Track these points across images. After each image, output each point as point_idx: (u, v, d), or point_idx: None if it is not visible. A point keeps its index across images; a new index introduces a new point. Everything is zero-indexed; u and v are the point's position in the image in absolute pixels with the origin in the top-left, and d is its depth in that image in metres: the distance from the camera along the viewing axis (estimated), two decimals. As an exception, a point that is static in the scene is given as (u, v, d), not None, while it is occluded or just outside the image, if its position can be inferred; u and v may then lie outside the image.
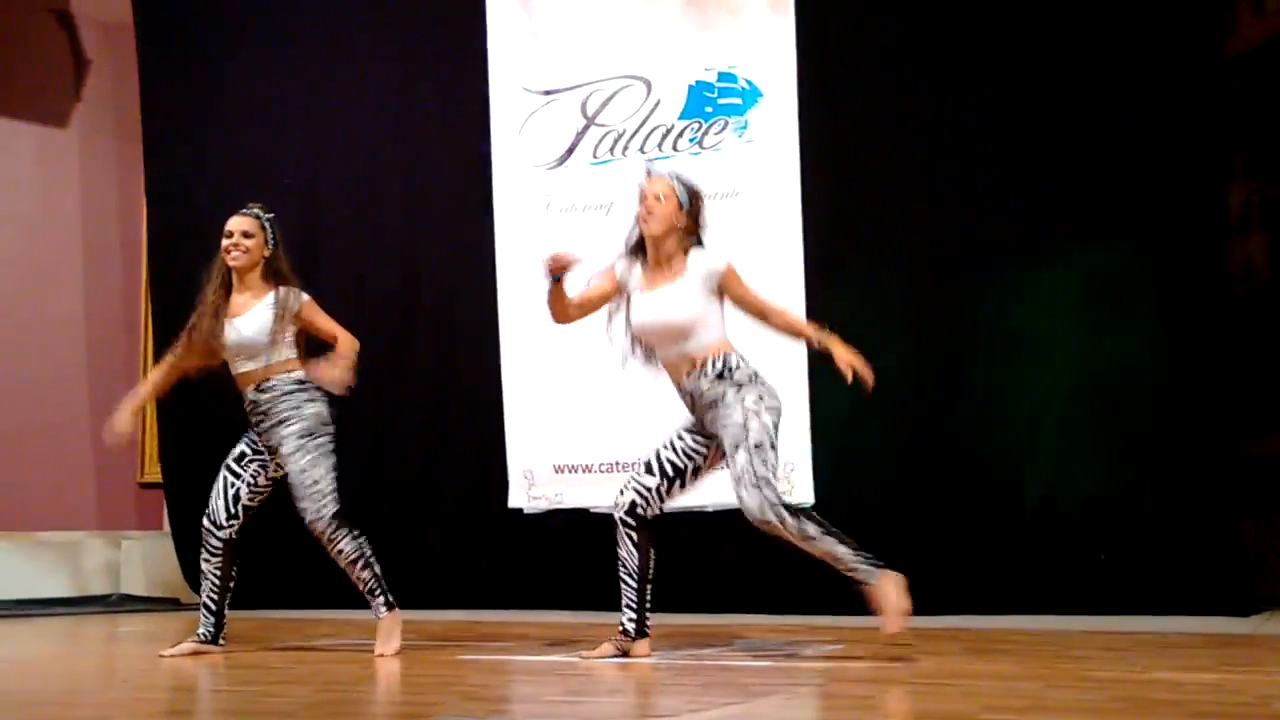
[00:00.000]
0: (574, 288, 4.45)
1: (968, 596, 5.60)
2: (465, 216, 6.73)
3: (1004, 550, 5.64)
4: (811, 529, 4.12)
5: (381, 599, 4.68)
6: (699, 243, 4.32)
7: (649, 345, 4.37)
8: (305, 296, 4.75)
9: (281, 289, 4.71)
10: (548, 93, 6.57)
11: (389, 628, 4.65)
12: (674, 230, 4.29)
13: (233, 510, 4.71)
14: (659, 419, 6.18)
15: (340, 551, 4.63)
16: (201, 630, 4.76)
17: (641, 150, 6.37)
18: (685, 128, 6.29)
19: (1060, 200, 5.67)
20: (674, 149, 6.29)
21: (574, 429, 6.43)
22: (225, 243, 4.73)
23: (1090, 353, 5.61)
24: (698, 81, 6.28)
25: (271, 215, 4.81)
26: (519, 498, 6.55)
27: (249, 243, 4.71)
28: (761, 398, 4.19)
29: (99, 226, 7.84)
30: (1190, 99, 5.49)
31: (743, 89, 6.19)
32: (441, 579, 6.66)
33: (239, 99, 7.32)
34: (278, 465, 4.72)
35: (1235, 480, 5.45)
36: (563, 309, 4.45)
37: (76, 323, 7.72)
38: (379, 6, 7.04)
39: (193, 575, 7.27)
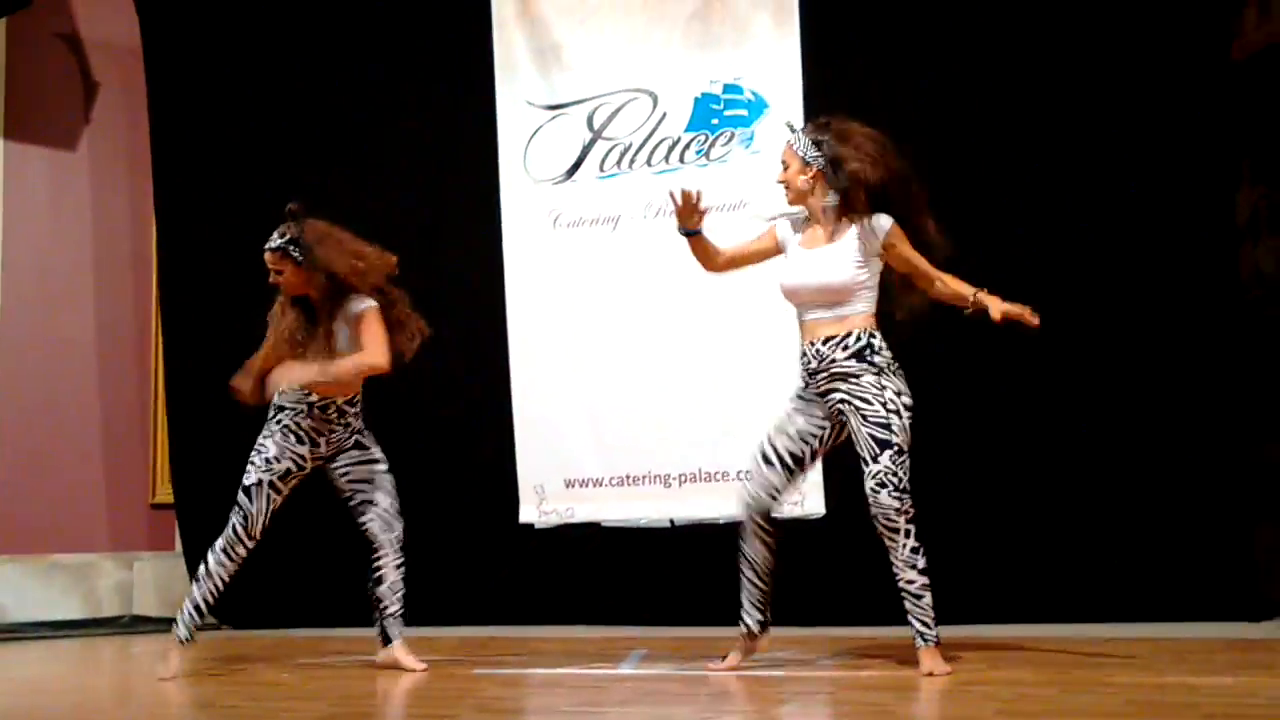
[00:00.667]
0: (719, 239, 4.40)
1: (981, 606, 5.58)
2: (473, 232, 6.74)
3: (1017, 559, 5.63)
4: (922, 560, 4.05)
5: (402, 625, 4.72)
6: (861, 199, 4.09)
7: (797, 304, 4.21)
8: (365, 305, 4.64)
9: (351, 304, 4.63)
10: (553, 107, 6.60)
11: (407, 652, 4.67)
12: (808, 193, 4.19)
13: (268, 525, 4.70)
14: (670, 432, 6.25)
15: (400, 564, 4.71)
16: (184, 633, 4.73)
17: (648, 163, 6.38)
18: (692, 140, 6.30)
19: (1068, 208, 5.68)
20: (680, 161, 6.31)
21: (584, 443, 6.43)
22: None
23: (1100, 358, 5.60)
24: (704, 94, 6.29)
25: (286, 239, 4.67)
26: (530, 513, 6.55)
27: (283, 279, 4.68)
28: (900, 393, 4.08)
29: (110, 247, 7.86)
30: (1197, 103, 5.50)
31: (749, 100, 6.20)
32: (453, 595, 6.65)
33: (246, 119, 7.34)
34: (308, 476, 4.73)
35: (1248, 485, 5.44)
36: (710, 260, 4.38)
37: (88, 343, 7.73)
38: (385, 26, 7.06)
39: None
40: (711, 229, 4.45)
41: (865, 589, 5.81)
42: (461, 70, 6.83)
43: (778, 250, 4.34)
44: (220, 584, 4.75)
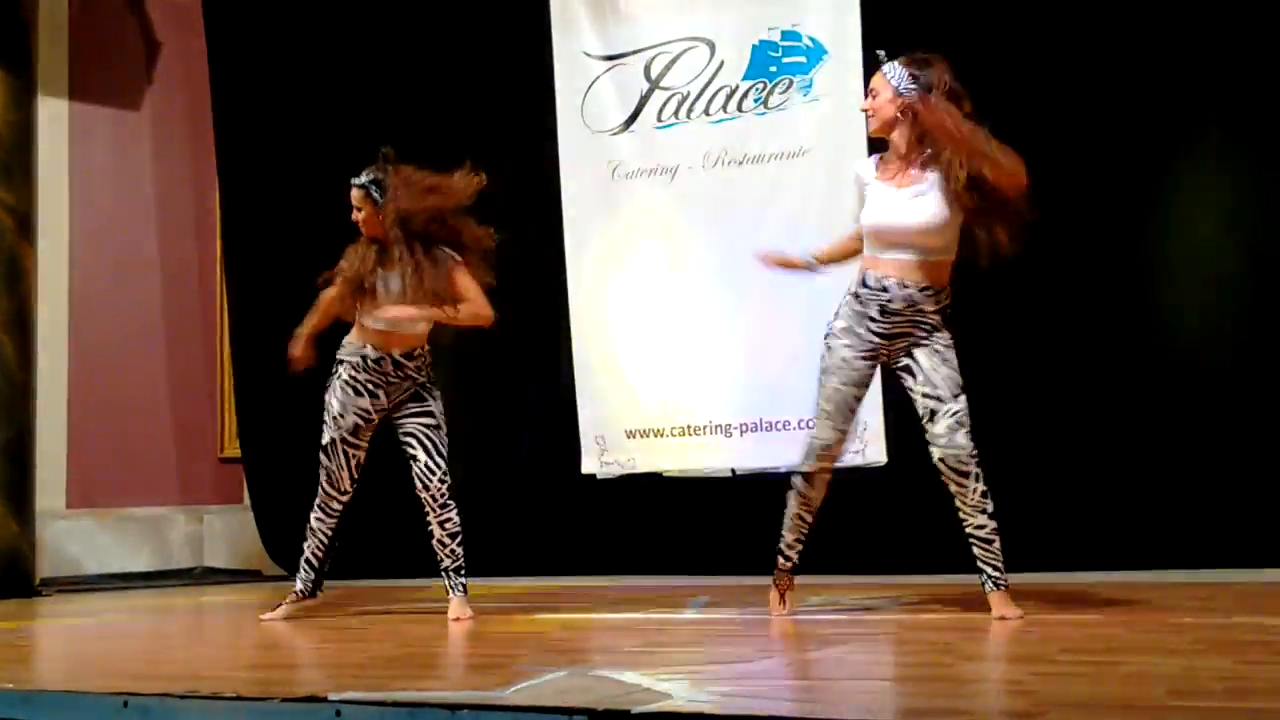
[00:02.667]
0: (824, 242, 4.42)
1: (1043, 552, 5.54)
2: (531, 184, 6.74)
3: (1085, 506, 5.58)
4: (990, 504, 4.01)
5: (463, 579, 4.72)
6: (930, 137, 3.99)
7: (887, 243, 4.04)
8: (451, 259, 4.66)
9: (435, 254, 4.62)
10: (610, 58, 6.57)
11: (462, 606, 4.67)
12: (896, 124, 4.05)
13: (355, 477, 4.77)
14: (729, 382, 6.24)
15: (449, 520, 4.69)
16: (300, 586, 4.84)
17: (706, 112, 6.35)
18: (750, 88, 6.26)
19: (1140, 156, 5.56)
20: (739, 110, 6.27)
21: (645, 394, 6.45)
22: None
23: (1163, 302, 5.52)
24: (761, 41, 6.24)
25: (370, 179, 4.66)
26: (591, 463, 6.58)
27: (360, 214, 4.68)
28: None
29: (174, 205, 7.95)
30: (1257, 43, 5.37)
31: (807, 47, 6.15)
32: (515, 546, 6.71)
33: (305, 76, 7.39)
34: (379, 425, 4.75)
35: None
36: (844, 256, 4.35)
37: (155, 300, 7.85)
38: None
39: (274, 547, 7.39)
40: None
41: (927, 537, 5.80)
42: (518, 23, 6.82)
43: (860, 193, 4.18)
44: (324, 539, 4.84)
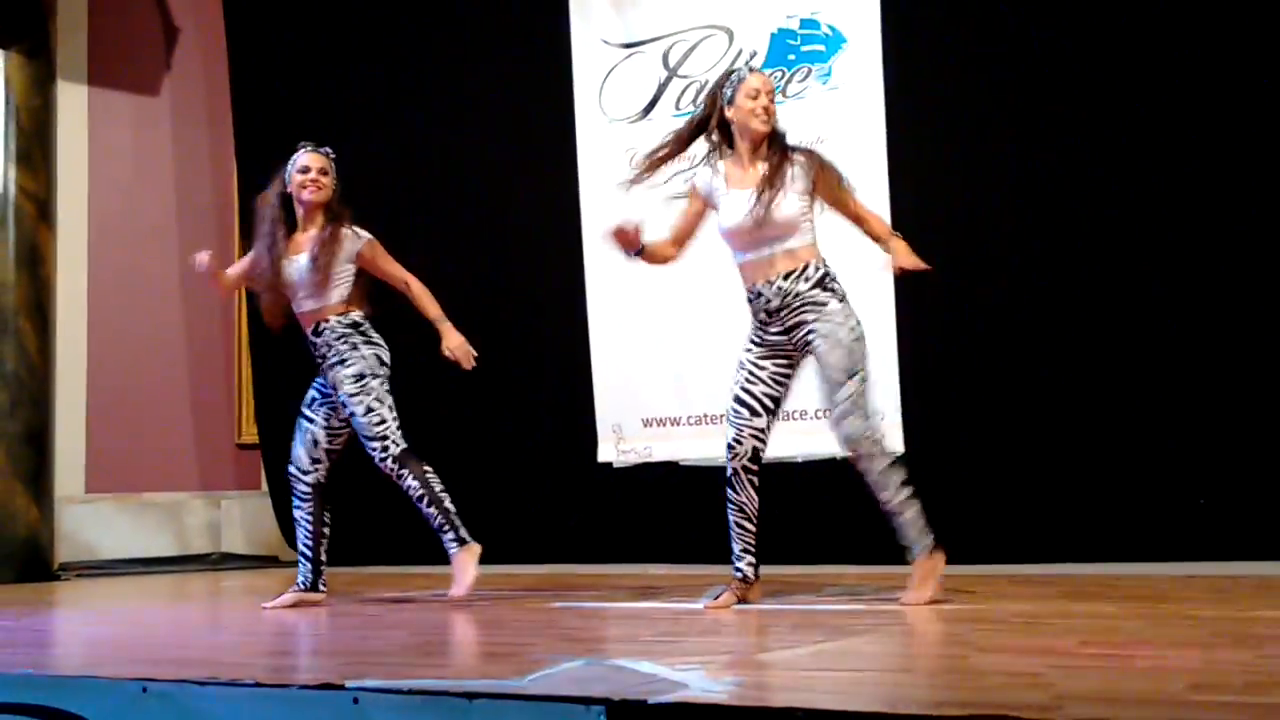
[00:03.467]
0: (657, 235, 4.45)
1: (1062, 544, 5.53)
2: (549, 171, 6.74)
3: (1098, 496, 5.56)
4: (898, 476, 4.08)
5: (451, 534, 4.68)
6: (783, 137, 4.27)
7: (741, 245, 4.26)
8: (366, 236, 4.78)
9: (342, 228, 4.74)
10: (629, 45, 6.56)
11: (462, 564, 4.64)
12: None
13: (314, 455, 4.77)
14: (747, 370, 6.22)
15: (409, 488, 4.68)
16: (300, 580, 4.85)
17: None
18: (770, 76, 6.22)
19: (1159, 148, 5.52)
20: (758, 98, 6.24)
21: (662, 382, 6.44)
22: (301, 178, 4.78)
23: (1181, 292, 5.49)
24: (780, 29, 6.22)
25: (332, 154, 4.89)
26: (608, 452, 6.58)
27: (325, 179, 4.76)
28: (858, 323, 4.16)
29: (192, 191, 7.98)
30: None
31: (826, 35, 6.12)
32: (532, 534, 6.72)
33: (325, 62, 7.39)
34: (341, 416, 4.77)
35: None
36: (663, 258, 4.49)
37: (173, 287, 7.87)
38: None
39: (291, 533, 7.41)
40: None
41: (942, 527, 5.78)
42: (536, 9, 6.82)
43: (708, 204, 4.40)
44: (307, 526, 4.85)
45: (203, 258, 4.80)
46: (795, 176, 4.19)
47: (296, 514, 4.84)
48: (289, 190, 4.79)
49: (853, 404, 4.05)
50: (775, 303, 4.18)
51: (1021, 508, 5.66)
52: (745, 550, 4.35)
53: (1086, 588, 4.55)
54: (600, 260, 6.59)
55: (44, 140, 6.99)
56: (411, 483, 4.66)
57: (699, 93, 6.41)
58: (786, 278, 4.15)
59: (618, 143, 6.57)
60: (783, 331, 4.21)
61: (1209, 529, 5.35)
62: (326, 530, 4.85)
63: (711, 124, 4.35)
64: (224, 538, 7.80)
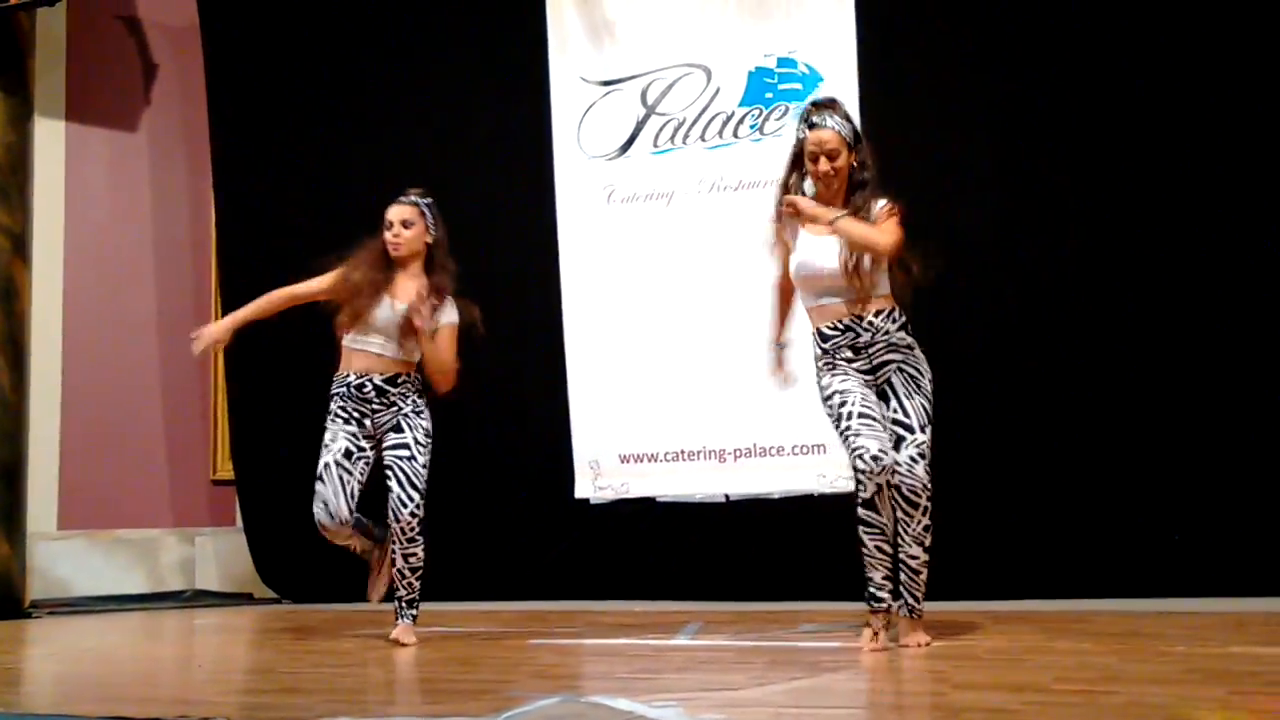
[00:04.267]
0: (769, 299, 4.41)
1: (1039, 580, 5.55)
2: (527, 208, 6.76)
3: (1075, 533, 5.58)
4: (929, 539, 4.03)
5: (415, 611, 4.71)
6: (865, 182, 4.10)
7: (822, 288, 4.10)
8: (457, 316, 4.68)
9: (450, 298, 4.68)
10: (607, 83, 6.60)
11: (407, 634, 4.66)
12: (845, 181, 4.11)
13: (352, 507, 4.68)
14: (725, 407, 6.24)
15: (414, 555, 4.65)
16: (402, 617, 4.72)
17: (702, 138, 6.38)
18: (746, 114, 6.28)
19: (1130, 183, 5.59)
20: (735, 136, 6.29)
21: (639, 418, 6.45)
22: (387, 234, 4.69)
23: (1160, 331, 5.53)
24: (758, 68, 6.27)
25: (431, 201, 4.76)
26: (585, 488, 6.57)
27: (407, 233, 4.68)
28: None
29: (169, 227, 7.96)
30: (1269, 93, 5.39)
31: (803, 74, 6.18)
32: (509, 571, 6.70)
33: (302, 98, 7.40)
34: (373, 448, 4.69)
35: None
36: (790, 308, 4.35)
37: (149, 323, 7.84)
38: (439, 2, 7.09)
39: (266, 570, 7.37)
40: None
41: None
42: (515, 46, 6.85)
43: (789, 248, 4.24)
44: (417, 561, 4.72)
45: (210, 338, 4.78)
46: (874, 219, 4.05)
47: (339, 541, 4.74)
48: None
49: (921, 453, 3.97)
50: (865, 338, 4.07)
51: (998, 546, 5.67)
52: (888, 577, 4.07)
53: (1062, 624, 4.55)
54: (578, 296, 6.61)
55: (20, 176, 6.97)
56: (419, 551, 4.67)
57: (676, 130, 6.45)
58: (878, 315, 4.06)
59: (595, 179, 6.61)
60: (868, 368, 4.09)
61: (1184, 566, 5.38)
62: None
63: (795, 164, 4.18)
64: (198, 575, 7.73)
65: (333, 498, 4.62)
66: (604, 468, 6.52)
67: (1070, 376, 5.65)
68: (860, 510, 4.01)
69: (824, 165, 4.06)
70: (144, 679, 4.01)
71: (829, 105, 4.16)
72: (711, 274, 6.28)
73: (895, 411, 4.05)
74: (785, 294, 4.36)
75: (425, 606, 4.82)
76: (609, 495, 6.52)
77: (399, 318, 4.60)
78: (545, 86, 6.71)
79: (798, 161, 4.16)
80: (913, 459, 3.96)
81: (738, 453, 6.22)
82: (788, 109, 6.19)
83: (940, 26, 5.95)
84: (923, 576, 4.04)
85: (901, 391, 4.05)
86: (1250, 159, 5.40)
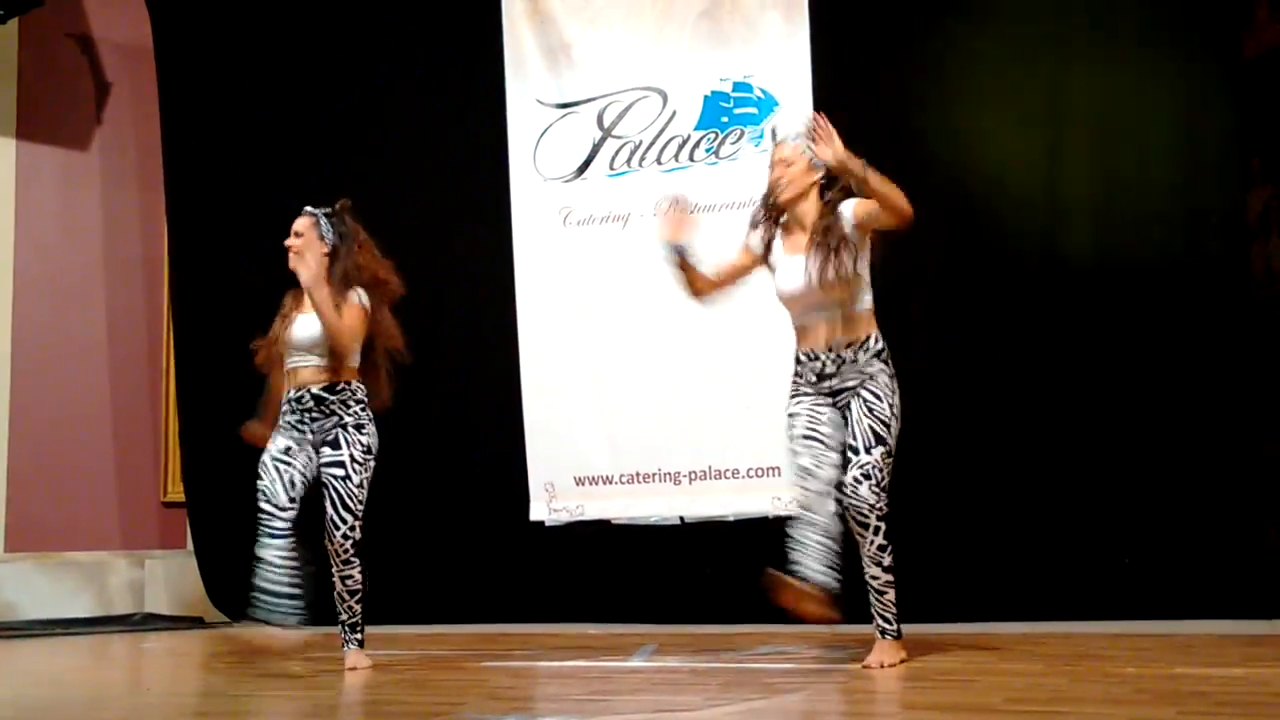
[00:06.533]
0: (705, 264, 4.34)
1: (990, 603, 5.58)
2: (483, 230, 6.75)
3: (1026, 556, 5.62)
4: (889, 558, 4.05)
5: (359, 635, 4.63)
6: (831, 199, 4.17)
7: (801, 309, 4.18)
8: (359, 299, 4.62)
9: (354, 292, 4.62)
10: (563, 105, 6.61)
11: (358, 657, 4.59)
12: (805, 194, 4.21)
13: (292, 494, 4.55)
14: (680, 430, 6.25)
15: (350, 577, 4.57)
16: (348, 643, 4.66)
17: (658, 161, 6.40)
18: (702, 138, 6.31)
19: (1078, 205, 5.68)
20: (690, 159, 6.32)
21: (594, 441, 6.44)
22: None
23: (1110, 356, 5.59)
24: (713, 92, 6.30)
25: (329, 211, 4.72)
26: (540, 510, 6.55)
27: (298, 242, 4.65)
28: (898, 402, 4.11)
29: (121, 247, 7.88)
30: (1207, 101, 5.50)
31: (758, 99, 6.22)
32: (463, 593, 6.67)
33: (257, 119, 7.37)
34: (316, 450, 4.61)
35: (1258, 483, 5.42)
36: (697, 286, 4.34)
37: (99, 344, 7.76)
38: (395, 25, 7.08)
39: (216, 593, 7.29)
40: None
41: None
42: (471, 69, 6.85)
43: (755, 262, 4.33)
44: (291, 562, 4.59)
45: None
46: (840, 231, 4.11)
47: (266, 554, 4.55)
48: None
49: (866, 473, 4.00)
50: (830, 369, 4.13)
51: (951, 568, 5.70)
52: (823, 562, 4.08)
53: (1013, 646, 4.58)
54: (534, 318, 6.61)
55: (-30, 194, 6.91)
56: (355, 574, 4.58)
57: (633, 153, 6.47)
58: (849, 348, 4.11)
59: (552, 202, 6.61)
60: (830, 393, 4.15)
61: (1133, 589, 5.43)
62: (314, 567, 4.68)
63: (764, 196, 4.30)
64: (148, 598, 7.64)
65: (269, 485, 4.55)
66: (559, 490, 6.51)
67: (1021, 402, 5.69)
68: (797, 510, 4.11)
69: (775, 171, 4.22)
70: (92, 703, 3.96)
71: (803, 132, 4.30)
72: (667, 297, 6.25)
73: (850, 436, 4.08)
74: (713, 279, 4.37)
75: (377, 630, 4.78)
76: (564, 517, 6.50)
77: (314, 328, 4.56)
78: (502, 108, 6.72)
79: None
80: (856, 479, 4.00)
81: (693, 475, 6.23)
82: (743, 133, 6.23)
83: (894, 53, 6.01)
84: (888, 596, 4.06)
85: (855, 415, 4.09)
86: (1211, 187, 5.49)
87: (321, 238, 4.68)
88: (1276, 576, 5.41)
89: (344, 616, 4.62)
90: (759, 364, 6.07)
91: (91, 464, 7.66)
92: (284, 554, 4.54)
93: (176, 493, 7.69)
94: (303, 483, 4.61)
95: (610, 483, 6.41)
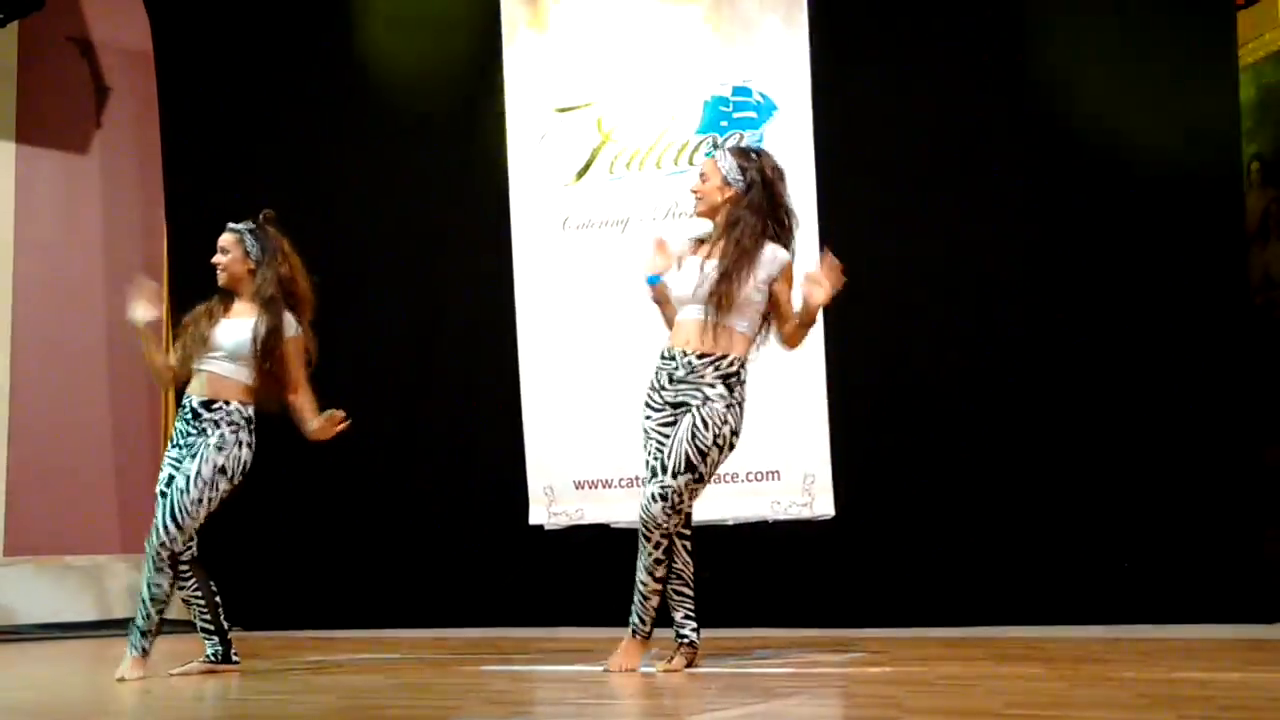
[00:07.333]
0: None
1: (990, 606, 5.58)
2: (483, 234, 6.76)
3: (1026, 560, 5.62)
4: (661, 570, 4.18)
5: (148, 644, 4.56)
6: (776, 227, 4.24)
7: (678, 299, 4.27)
8: (292, 332, 4.60)
9: (272, 314, 4.57)
10: (563, 109, 6.62)
11: (134, 668, 4.52)
12: (719, 208, 4.29)
13: (190, 531, 4.54)
14: (678, 433, 6.24)
15: (154, 584, 4.51)
16: (210, 652, 4.71)
17: (658, 165, 6.41)
18: (701, 142, 6.32)
19: (1076, 208, 5.68)
20: (690, 163, 6.32)
21: (593, 445, 6.44)
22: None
23: (1110, 361, 5.59)
24: (713, 96, 6.31)
25: (252, 226, 4.70)
26: (540, 514, 6.55)
27: (224, 259, 4.66)
28: (735, 433, 4.16)
29: (120, 252, 7.89)
30: (1207, 105, 5.50)
31: (758, 103, 6.22)
32: (463, 596, 6.67)
33: (257, 123, 7.38)
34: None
35: (1258, 488, 5.42)
36: (667, 309, 4.43)
37: (99, 347, 7.77)
38: (395, 30, 7.09)
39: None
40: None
41: (874, 590, 5.82)
42: (471, 72, 6.86)
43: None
44: (198, 604, 4.64)
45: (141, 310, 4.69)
46: (762, 264, 4.18)
47: (181, 594, 4.63)
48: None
49: (663, 494, 4.10)
50: (680, 373, 4.21)
51: (950, 571, 5.70)
52: (688, 615, 4.35)
53: (1014, 650, 4.58)
54: (533, 322, 6.61)
55: (-31, 198, 6.91)
56: (160, 580, 4.49)
57: (632, 157, 6.48)
58: (702, 358, 4.18)
59: (551, 205, 6.62)
60: (673, 402, 4.23)
61: (1133, 593, 5.42)
62: (218, 599, 4.71)
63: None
64: (146, 602, 7.63)
65: (156, 526, 4.53)
66: (558, 494, 6.51)
67: (1021, 406, 5.69)
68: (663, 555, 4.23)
69: (694, 184, 4.35)
70: (93, 707, 3.95)
71: (739, 151, 4.41)
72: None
73: (666, 449, 4.15)
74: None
75: (381, 633, 4.77)
76: (563, 521, 6.50)
77: (241, 342, 4.53)
78: (501, 112, 6.72)
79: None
80: (651, 497, 4.13)
81: (692, 479, 6.21)
82: (742, 137, 6.23)
83: (893, 57, 6.02)
84: (651, 602, 4.23)
85: (681, 432, 4.14)
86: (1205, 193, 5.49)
87: (246, 254, 4.67)
88: (1276, 580, 5.42)
89: (140, 621, 4.54)
90: (757, 368, 6.06)
91: (91, 467, 7.66)
92: (197, 592, 4.63)
93: (175, 497, 7.68)
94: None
95: (610, 486, 6.41)
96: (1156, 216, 5.55)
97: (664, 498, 4.10)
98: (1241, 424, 5.43)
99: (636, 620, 4.27)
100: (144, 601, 4.56)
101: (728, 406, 4.15)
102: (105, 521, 7.68)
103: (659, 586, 4.23)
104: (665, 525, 4.13)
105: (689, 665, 4.30)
